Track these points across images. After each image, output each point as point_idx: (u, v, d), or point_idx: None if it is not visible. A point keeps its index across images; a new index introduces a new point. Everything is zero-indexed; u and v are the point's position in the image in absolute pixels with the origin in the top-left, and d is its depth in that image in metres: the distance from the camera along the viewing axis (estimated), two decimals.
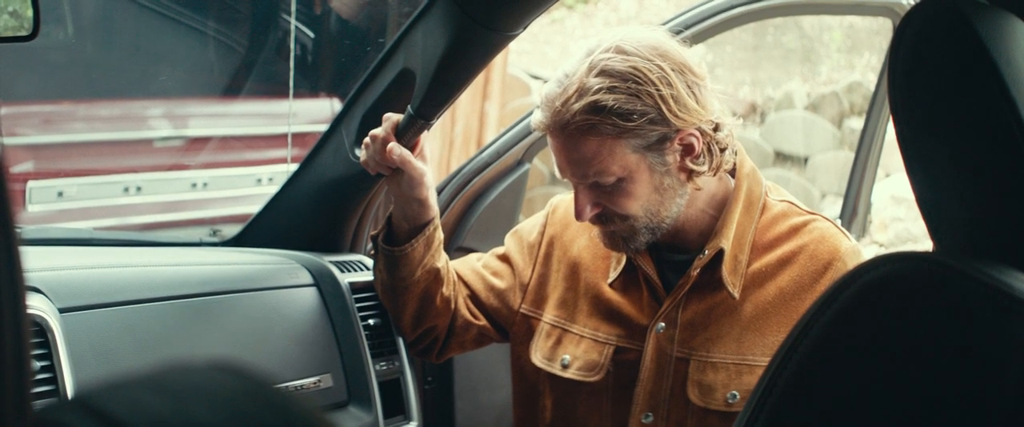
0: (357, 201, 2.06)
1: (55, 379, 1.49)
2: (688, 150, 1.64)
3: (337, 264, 1.97)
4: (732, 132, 1.69)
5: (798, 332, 0.91)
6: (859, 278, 0.89)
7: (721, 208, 1.74)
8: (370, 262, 2.01)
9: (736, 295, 1.70)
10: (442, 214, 2.09)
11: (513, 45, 2.37)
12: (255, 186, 4.53)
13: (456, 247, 2.26)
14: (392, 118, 1.80)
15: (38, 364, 1.48)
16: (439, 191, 2.20)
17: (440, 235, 1.86)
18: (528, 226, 1.94)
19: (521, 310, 1.87)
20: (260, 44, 4.59)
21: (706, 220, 1.74)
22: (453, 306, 1.90)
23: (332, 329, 1.91)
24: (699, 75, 1.63)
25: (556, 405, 1.82)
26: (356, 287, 1.95)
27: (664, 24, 2.21)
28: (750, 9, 2.37)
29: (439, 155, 5.39)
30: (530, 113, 2.21)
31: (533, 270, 1.88)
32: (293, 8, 4.32)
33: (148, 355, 1.62)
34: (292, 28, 4.32)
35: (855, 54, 7.61)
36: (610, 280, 1.79)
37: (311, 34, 4.58)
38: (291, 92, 4.13)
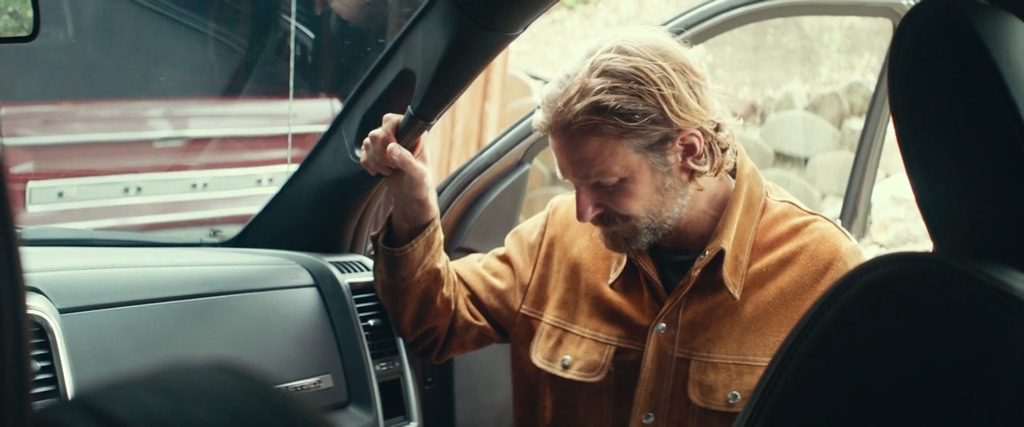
0: (357, 202, 2.06)
1: (55, 379, 1.49)
2: (689, 150, 1.64)
3: (337, 265, 1.97)
4: (733, 132, 1.69)
5: (798, 332, 0.91)
6: (859, 278, 0.89)
7: (722, 209, 1.74)
8: (370, 263, 2.01)
9: (737, 295, 1.70)
10: (442, 215, 2.09)
11: (513, 46, 2.37)
12: (255, 187, 4.53)
13: (456, 248, 2.26)
14: (392, 119, 1.80)
15: (38, 364, 1.48)
16: (439, 192, 2.20)
17: (440, 236, 1.86)
18: (528, 227, 1.94)
19: (521, 311, 1.87)
20: (260, 44, 4.59)
21: (707, 221, 1.74)
22: (453, 307, 1.90)
23: (332, 330, 1.91)
24: (700, 75, 1.63)
25: (556, 405, 1.82)
26: (356, 287, 1.95)
27: (664, 25, 2.21)
28: (750, 10, 2.37)
29: (439, 156, 5.39)
30: (530, 113, 2.21)
31: (533, 271, 1.88)
32: (293, 8, 4.32)
33: (148, 355, 1.62)
34: (292, 28, 4.32)
35: (855, 55, 7.61)
36: (611, 281, 1.79)
37: (311, 34, 4.58)
38: (291, 93, 4.13)
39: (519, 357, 1.88)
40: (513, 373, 1.91)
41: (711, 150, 1.66)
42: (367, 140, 1.82)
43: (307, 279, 1.93)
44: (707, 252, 1.70)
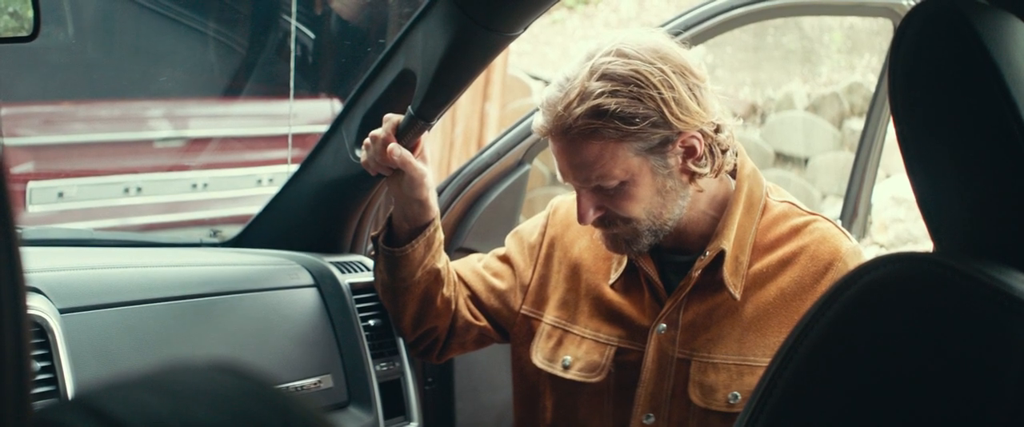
0: (357, 202, 2.06)
1: (55, 379, 1.49)
2: (690, 152, 1.64)
3: (337, 265, 1.97)
4: (733, 133, 1.69)
5: (799, 333, 0.91)
6: (860, 279, 0.89)
7: (722, 209, 1.74)
8: (370, 263, 2.01)
9: (737, 296, 1.70)
10: (442, 215, 2.09)
11: (513, 46, 2.37)
12: (255, 187, 4.53)
13: (456, 248, 2.26)
14: (392, 119, 1.80)
15: (38, 364, 1.48)
16: (439, 192, 2.20)
17: (440, 236, 1.86)
18: (529, 227, 1.94)
19: (522, 311, 1.87)
20: (260, 45, 4.59)
21: (707, 221, 1.74)
22: (453, 307, 1.90)
23: (332, 330, 1.91)
24: (700, 77, 1.63)
25: (557, 406, 1.82)
26: (356, 288, 1.95)
27: (664, 25, 2.21)
28: (750, 10, 2.37)
29: (439, 156, 5.39)
30: (531, 114, 2.22)
31: (534, 271, 1.88)
32: (293, 9, 4.32)
33: (148, 356, 1.62)
34: (292, 29, 4.32)
35: (855, 55, 7.61)
36: (611, 281, 1.79)
37: (311, 35, 4.58)
38: (292, 93, 4.13)
39: (519, 357, 1.88)
40: (513, 373, 1.91)
41: (711, 151, 1.66)
42: (367, 140, 1.82)
43: (307, 279, 1.93)
44: (708, 253, 1.70)
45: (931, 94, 0.92)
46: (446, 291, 1.87)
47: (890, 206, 6.30)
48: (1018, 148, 0.86)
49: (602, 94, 1.57)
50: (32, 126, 4.07)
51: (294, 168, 2.13)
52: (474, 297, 1.92)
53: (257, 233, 2.16)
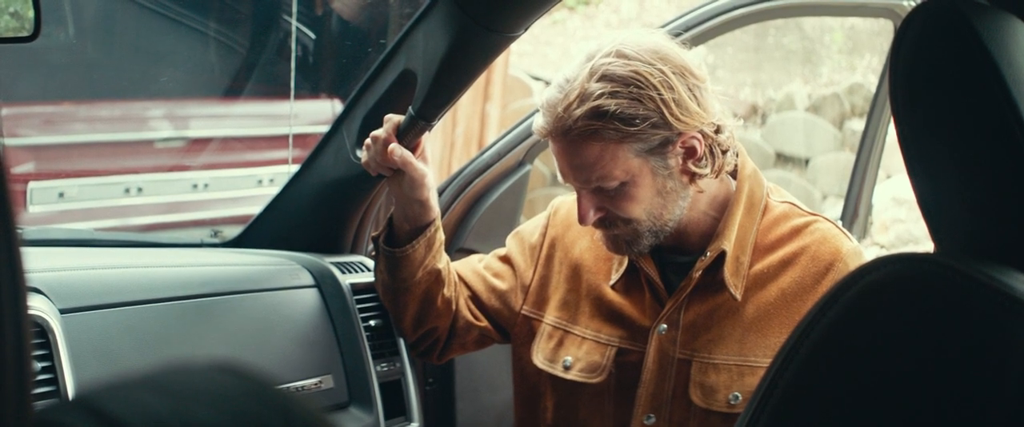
0: (358, 202, 2.06)
1: (56, 380, 1.49)
2: (690, 153, 1.64)
3: (338, 265, 1.97)
4: (733, 134, 1.69)
5: (799, 333, 0.91)
6: (860, 279, 0.89)
7: (723, 210, 1.74)
8: (371, 263, 2.01)
9: (738, 296, 1.70)
10: (443, 215, 2.09)
11: (514, 46, 2.37)
12: (256, 187, 4.53)
13: (457, 248, 2.26)
14: (393, 119, 1.80)
15: (39, 365, 1.48)
16: (440, 192, 2.20)
17: (441, 236, 1.86)
18: (530, 227, 1.94)
19: (522, 311, 1.87)
20: (261, 45, 4.59)
21: (708, 222, 1.74)
22: (454, 307, 1.89)
23: (333, 330, 1.91)
24: (700, 78, 1.63)
25: (558, 406, 1.82)
26: (357, 288, 1.95)
27: (665, 26, 2.21)
28: (751, 11, 2.37)
29: (440, 156, 5.39)
30: (531, 114, 2.22)
31: (534, 271, 1.88)
32: (294, 9, 4.32)
33: (149, 356, 1.63)
34: (293, 29, 4.32)
35: (856, 55, 7.61)
36: (612, 282, 1.79)
37: (312, 35, 4.58)
38: (292, 93, 4.13)
39: (520, 358, 1.88)
40: (514, 374, 1.91)
41: (712, 152, 1.66)
42: (368, 141, 1.82)
43: (308, 280, 1.93)
44: (708, 253, 1.70)
45: (932, 95, 0.92)
46: (447, 291, 1.87)
47: (891, 207, 6.29)
48: (1018, 148, 0.86)
49: (602, 95, 1.57)
50: (33, 126, 4.07)
51: (295, 168, 2.13)
52: (475, 297, 1.92)
53: (258, 233, 2.16)
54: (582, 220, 1.68)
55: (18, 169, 3.96)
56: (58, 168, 4.10)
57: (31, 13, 1.51)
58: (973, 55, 0.88)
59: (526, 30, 1.73)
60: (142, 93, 4.48)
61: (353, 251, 2.13)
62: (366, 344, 1.91)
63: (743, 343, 1.69)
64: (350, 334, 1.90)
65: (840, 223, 1.88)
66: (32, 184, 3.95)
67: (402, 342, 1.98)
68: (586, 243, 1.84)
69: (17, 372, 0.51)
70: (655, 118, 1.58)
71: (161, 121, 4.52)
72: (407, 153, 1.78)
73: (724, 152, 1.67)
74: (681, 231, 1.72)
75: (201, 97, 4.68)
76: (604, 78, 1.58)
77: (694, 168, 1.65)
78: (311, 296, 1.91)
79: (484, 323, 1.91)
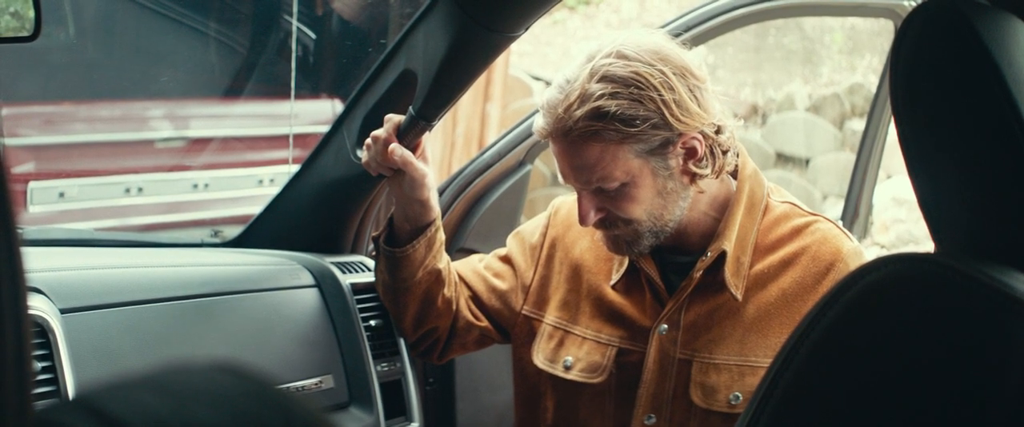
0: (358, 202, 2.06)
1: (56, 380, 1.49)
2: (690, 154, 1.64)
3: (338, 265, 1.97)
4: (734, 134, 1.69)
5: (800, 334, 0.91)
6: (861, 279, 0.89)
7: (723, 210, 1.74)
8: (371, 263, 2.01)
9: (738, 297, 1.70)
10: (443, 215, 2.09)
11: (514, 46, 2.37)
12: (256, 187, 4.53)
13: (458, 248, 2.26)
14: (393, 119, 1.80)
15: (39, 365, 1.48)
16: (440, 192, 2.20)
17: (441, 236, 1.86)
18: (530, 227, 1.94)
19: (523, 311, 1.87)
20: (262, 45, 4.59)
21: (708, 222, 1.74)
22: (454, 307, 1.89)
23: (333, 330, 1.91)
24: (700, 78, 1.63)
25: (558, 406, 1.82)
26: (357, 288, 1.95)
27: (666, 26, 2.21)
28: (752, 11, 2.37)
29: (441, 156, 5.39)
30: (532, 114, 2.21)
31: (535, 272, 1.88)
32: (295, 9, 4.32)
33: (149, 356, 1.62)
34: (293, 29, 4.32)
35: (856, 55, 7.61)
36: (612, 282, 1.79)
37: (313, 35, 4.58)
38: (293, 93, 4.13)
39: (520, 358, 1.88)
40: (514, 374, 1.91)
41: (712, 153, 1.66)
42: (368, 141, 1.82)
43: (308, 279, 1.93)
44: (709, 253, 1.70)
45: (932, 95, 0.92)
46: (447, 291, 1.87)
47: (891, 207, 6.29)
48: (1019, 149, 0.86)
49: (602, 96, 1.57)
50: (33, 126, 4.07)
51: (295, 168, 2.13)
52: (475, 297, 1.92)
53: (258, 233, 2.16)
54: (583, 221, 1.68)
55: (18, 169, 3.96)
56: (58, 168, 4.10)
57: (31, 13, 1.51)
58: (973, 55, 0.88)
59: (526, 30, 1.73)
60: (142, 93, 4.48)
61: (353, 251, 2.13)
62: (366, 344, 1.91)
63: (744, 343, 1.69)
64: (350, 334, 1.90)
65: (840, 223, 1.88)
66: (32, 184, 3.95)
67: (402, 342, 1.98)
68: (587, 243, 1.84)
69: (17, 372, 0.51)
70: (655, 119, 1.58)
71: (161, 121, 4.53)
72: (407, 153, 1.78)
73: (725, 152, 1.67)
74: (681, 231, 1.72)
75: (201, 97, 4.68)
76: (604, 79, 1.58)
77: (695, 169, 1.65)
78: (311, 296, 1.91)
79: (484, 323, 1.91)
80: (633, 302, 1.77)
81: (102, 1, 4.42)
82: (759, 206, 1.74)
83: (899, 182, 6.35)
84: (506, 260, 1.93)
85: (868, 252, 1.78)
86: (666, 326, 1.72)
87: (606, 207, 1.67)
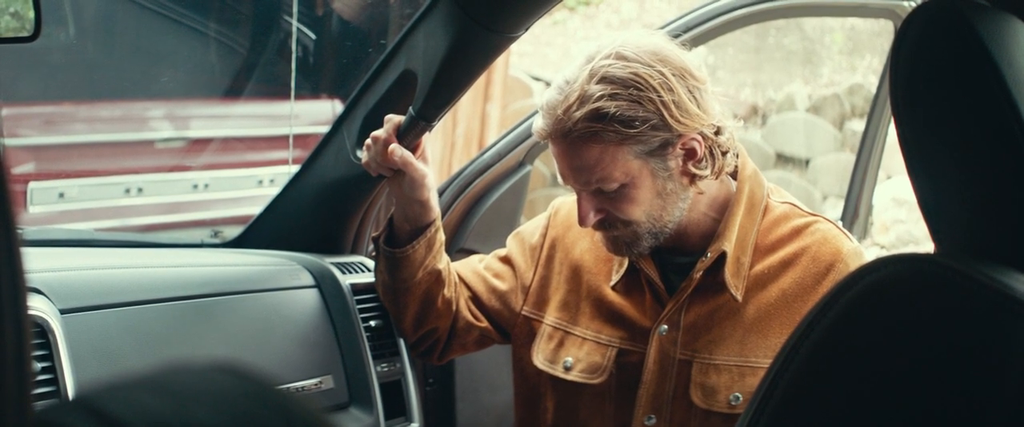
0: (358, 203, 2.06)
1: (56, 380, 1.49)
2: (690, 155, 1.64)
3: (338, 266, 1.97)
4: (733, 135, 1.69)
5: (800, 334, 0.91)
6: (861, 280, 0.89)
7: (723, 211, 1.74)
8: (371, 264, 2.01)
9: (739, 297, 1.70)
10: (443, 216, 2.09)
11: (514, 47, 2.37)
12: (256, 187, 4.53)
13: (457, 249, 2.26)
14: (393, 119, 1.80)
15: (39, 365, 1.48)
16: (440, 193, 2.20)
17: (441, 237, 1.86)
18: (530, 228, 1.94)
19: (523, 312, 1.87)
20: (262, 45, 4.59)
21: (708, 223, 1.74)
22: (454, 308, 1.89)
23: (333, 330, 1.91)
24: (700, 79, 1.63)
25: (558, 407, 1.82)
26: (357, 288, 1.95)
27: (665, 26, 2.21)
28: (752, 11, 2.37)
29: (441, 157, 5.39)
30: (532, 115, 2.21)
31: (535, 272, 1.88)
32: (295, 9, 4.32)
33: (149, 356, 1.62)
34: (293, 29, 4.32)
35: (856, 56, 7.61)
36: (612, 283, 1.79)
37: (313, 35, 4.58)
38: (292, 93, 4.13)
39: (520, 358, 1.88)
40: (514, 374, 1.91)
41: (712, 154, 1.66)
42: (368, 141, 1.82)
43: (308, 280, 1.93)
44: (709, 254, 1.70)
45: (932, 95, 0.92)
46: (447, 292, 1.87)
47: (891, 207, 6.29)
48: (1019, 149, 0.86)
49: (602, 97, 1.57)
50: (33, 126, 4.07)
51: (295, 169, 2.13)
52: (475, 298, 1.92)
53: (258, 234, 2.16)
54: (582, 222, 1.68)
55: (18, 169, 3.96)
56: (58, 168, 4.10)
57: (31, 13, 1.51)
58: (973, 55, 0.88)
59: (526, 30, 1.73)
60: (142, 93, 4.48)
61: (353, 251, 2.13)
62: (366, 344, 1.91)
63: (744, 344, 1.69)
64: (350, 334, 1.90)
65: (840, 224, 1.88)
66: (32, 184, 3.95)
67: (402, 342, 1.98)
68: (586, 244, 1.84)
69: (17, 372, 0.51)
70: (655, 120, 1.58)
71: (161, 121, 4.53)
72: (407, 153, 1.78)
73: (724, 154, 1.67)
74: (681, 232, 1.72)
75: (201, 97, 4.68)
76: (604, 80, 1.58)
77: (694, 170, 1.65)
78: (311, 296, 1.91)
79: (484, 324, 1.91)
80: (633, 303, 1.77)
81: (102, 1, 4.42)
82: (759, 207, 1.74)
83: (899, 182, 6.35)
84: (506, 261, 1.93)
85: (868, 253, 1.78)
86: (666, 327, 1.72)
87: (605, 208, 1.67)
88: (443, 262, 1.87)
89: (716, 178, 1.69)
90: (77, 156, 4.23)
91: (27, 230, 2.10)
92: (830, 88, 7.35)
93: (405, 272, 1.84)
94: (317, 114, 4.64)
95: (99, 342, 1.58)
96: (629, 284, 1.78)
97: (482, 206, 2.30)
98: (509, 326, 1.90)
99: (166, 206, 4.38)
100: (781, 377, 0.91)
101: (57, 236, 2.12)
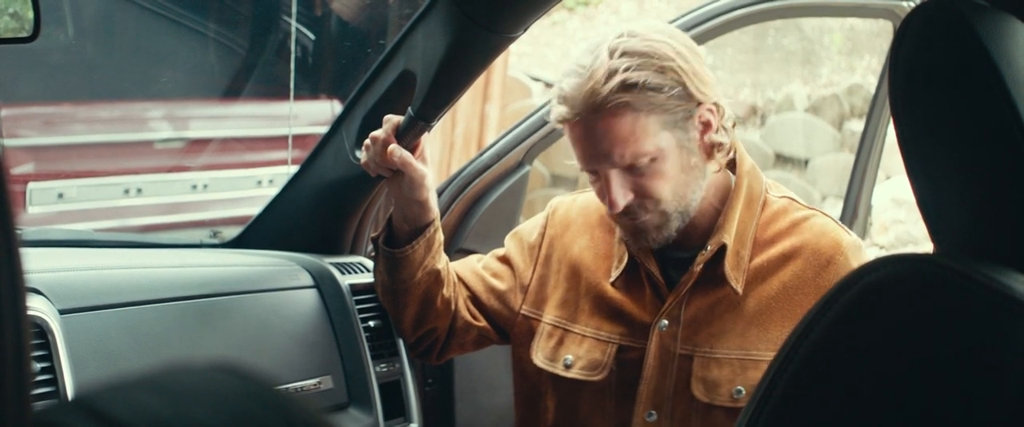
0: (357, 203, 2.06)
1: (55, 380, 1.49)
2: (707, 126, 1.66)
3: (337, 266, 1.97)
4: (731, 115, 1.73)
5: (799, 333, 0.91)
6: (860, 279, 0.89)
7: (723, 204, 1.75)
8: (370, 264, 2.01)
9: (739, 290, 1.70)
10: (442, 216, 2.08)
11: (513, 47, 2.37)
12: (255, 188, 4.53)
13: (456, 249, 2.26)
14: (393, 120, 1.80)
15: (38, 365, 1.48)
16: (439, 193, 2.20)
17: (440, 237, 1.86)
18: (528, 227, 1.94)
19: (522, 311, 1.87)
20: (261, 46, 4.59)
21: (709, 217, 1.74)
22: (453, 308, 1.90)
23: (332, 331, 1.91)
24: (701, 56, 1.68)
25: (559, 405, 1.82)
26: (356, 289, 1.95)
27: None
28: (751, 11, 2.37)
29: (440, 157, 5.39)
30: (531, 115, 2.22)
31: (533, 271, 1.88)
32: (293, 10, 4.32)
33: (149, 356, 1.62)
34: (293, 30, 4.32)
35: (856, 56, 7.61)
36: (612, 279, 1.79)
37: (312, 36, 4.58)
38: (292, 94, 4.13)
39: (520, 358, 1.88)
40: (514, 374, 1.91)
41: (723, 127, 1.68)
42: (367, 141, 1.82)
43: (307, 280, 1.93)
44: (709, 247, 1.71)
45: (931, 95, 0.92)
46: (446, 292, 1.87)
47: (890, 208, 6.29)
48: (1018, 149, 0.86)
49: (628, 69, 1.59)
50: (32, 127, 4.07)
51: (294, 169, 2.13)
52: (474, 298, 1.92)
53: (257, 234, 2.16)
54: (613, 207, 1.66)
55: (18, 170, 3.96)
56: (58, 169, 4.10)
57: (31, 14, 1.51)
58: (973, 56, 0.88)
59: (525, 31, 1.74)
60: (142, 94, 4.48)
61: (352, 252, 2.13)
62: (365, 345, 1.91)
63: (745, 337, 1.69)
64: (349, 335, 1.90)
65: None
66: (32, 185, 3.95)
67: (401, 343, 1.98)
68: (585, 242, 1.84)
69: (17, 372, 0.51)
70: (678, 89, 1.60)
71: (161, 122, 4.52)
72: (406, 154, 1.78)
73: (727, 130, 1.70)
74: (684, 225, 1.73)
75: (201, 98, 4.68)
76: (626, 54, 1.60)
77: (713, 138, 1.66)
78: (310, 297, 1.91)
79: (483, 323, 1.91)
80: (633, 298, 1.77)
81: (102, 1, 4.42)
82: (758, 200, 1.75)
83: (898, 183, 6.35)
84: (504, 260, 1.93)
85: (867, 253, 1.78)
86: (666, 322, 1.72)
87: (638, 183, 1.65)
88: (442, 262, 1.87)
89: (726, 157, 1.70)
90: (76, 157, 4.23)
91: (26, 230, 2.10)
92: (829, 88, 7.35)
93: (404, 272, 1.84)
94: (316, 114, 4.64)
95: (98, 342, 1.58)
96: (628, 280, 1.78)
97: (481, 206, 2.30)
98: (508, 326, 1.90)
99: (165, 206, 4.38)
100: (780, 377, 0.91)
101: (56, 236, 2.12)
